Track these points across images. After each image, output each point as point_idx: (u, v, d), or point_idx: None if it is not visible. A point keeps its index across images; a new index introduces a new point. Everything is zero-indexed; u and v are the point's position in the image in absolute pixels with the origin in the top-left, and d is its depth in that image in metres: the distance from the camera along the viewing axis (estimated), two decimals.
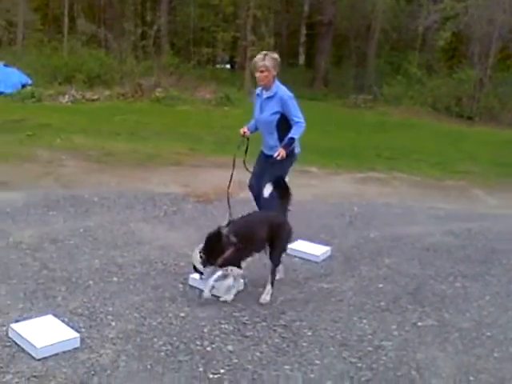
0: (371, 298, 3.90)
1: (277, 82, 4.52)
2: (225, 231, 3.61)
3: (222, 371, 2.85)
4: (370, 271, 4.42)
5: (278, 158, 4.34)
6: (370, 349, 3.19)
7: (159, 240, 4.72)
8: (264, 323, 3.41)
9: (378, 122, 16.75)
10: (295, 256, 4.60)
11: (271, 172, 4.47)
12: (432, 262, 4.74)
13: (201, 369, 2.85)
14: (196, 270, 3.66)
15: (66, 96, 15.06)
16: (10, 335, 2.99)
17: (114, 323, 3.23)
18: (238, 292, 3.79)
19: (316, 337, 3.29)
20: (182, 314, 3.42)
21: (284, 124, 4.50)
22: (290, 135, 4.46)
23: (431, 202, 6.98)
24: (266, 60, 4.41)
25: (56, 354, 2.86)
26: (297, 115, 4.50)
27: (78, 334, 2.99)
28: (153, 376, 2.76)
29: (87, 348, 2.95)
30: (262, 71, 4.42)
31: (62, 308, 3.36)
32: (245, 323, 3.39)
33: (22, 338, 2.91)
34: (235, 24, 25.09)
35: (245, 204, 6.09)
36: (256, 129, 4.72)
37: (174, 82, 18.65)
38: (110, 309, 3.40)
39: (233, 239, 3.57)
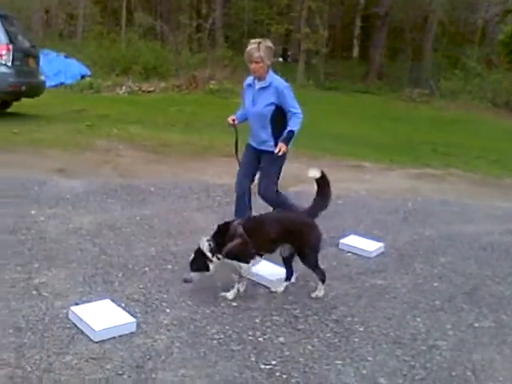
0: (425, 296, 3.83)
1: (271, 72, 4.29)
2: (235, 222, 3.56)
3: (273, 362, 2.86)
4: (424, 269, 4.33)
5: (280, 153, 4.12)
6: (423, 348, 3.13)
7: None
8: (315, 317, 3.40)
9: (433, 116, 16.36)
10: (348, 251, 4.56)
11: (265, 168, 4.36)
12: (489, 261, 4.60)
13: (253, 359, 2.88)
14: (192, 266, 3.49)
15: (123, 87, 15.45)
16: (70, 317, 3.10)
17: (168, 310, 3.30)
18: (245, 289, 3.79)
19: (368, 333, 3.26)
20: (234, 304, 3.46)
21: (279, 117, 4.25)
22: (289, 128, 4.19)
23: (489, 201, 6.77)
24: (260, 50, 4.14)
25: (113, 338, 2.94)
26: (294, 106, 4.25)
27: (134, 319, 3.08)
28: (206, 363, 2.80)
29: (143, 333, 3.03)
30: (257, 62, 4.15)
31: (118, 293, 3.46)
32: (296, 316, 3.40)
33: (82, 320, 3.02)
34: (289, 16, 24.99)
35: (298, 196, 6.10)
36: (245, 119, 4.47)
37: (227, 75, 18.80)
38: (165, 296, 3.47)
39: (240, 231, 3.47)
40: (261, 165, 4.43)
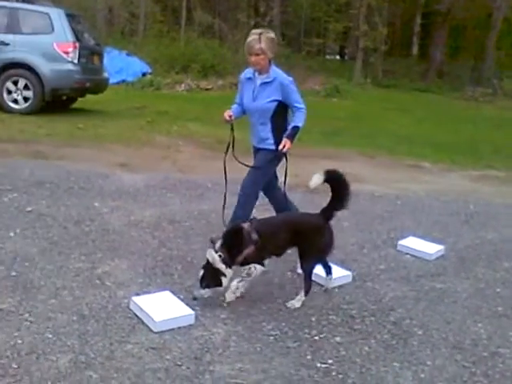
0: (487, 301, 3.71)
1: (273, 66, 4.03)
2: (245, 227, 3.33)
3: (329, 361, 2.85)
4: (486, 274, 4.20)
5: (284, 150, 3.95)
6: (485, 354, 3.04)
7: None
8: (372, 318, 3.36)
9: (497, 116, 15.79)
10: (406, 253, 4.48)
11: (261, 164, 4.14)
12: None
13: (309, 357, 2.88)
14: (202, 283, 3.27)
15: (182, 85, 15.72)
16: (131, 307, 3.19)
17: (225, 304, 3.34)
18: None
19: (427, 337, 3.19)
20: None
21: (280, 113, 4.06)
22: (294, 124, 4.00)
23: None
24: (261, 42, 3.85)
25: (172, 329, 3.01)
26: (298, 101, 4.02)
27: (193, 312, 3.14)
28: (262, 358, 2.82)
29: (201, 326, 3.08)
30: (257, 54, 3.86)
31: (178, 285, 3.53)
32: (353, 316, 3.37)
33: (142, 310, 3.10)
34: (348, 14, 24.70)
35: (353, 196, 6.04)
36: (242, 114, 4.25)
37: (284, 73, 18.76)
38: (222, 289, 3.51)
39: (254, 237, 3.27)
40: (256, 158, 4.22)
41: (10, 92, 9.34)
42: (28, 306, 3.11)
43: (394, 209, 5.78)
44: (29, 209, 4.66)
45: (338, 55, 33.04)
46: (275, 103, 3.99)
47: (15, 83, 9.29)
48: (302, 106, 4.03)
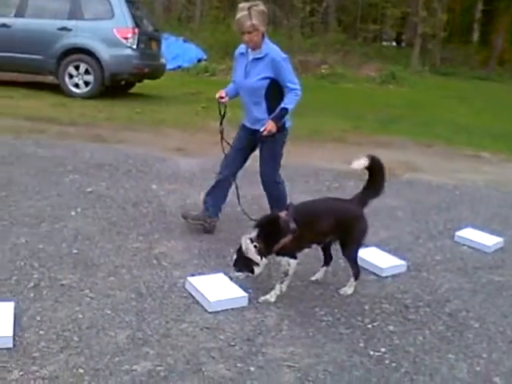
0: None
1: (267, 41, 3.75)
2: (283, 215, 3.22)
3: (382, 350, 2.83)
4: None
5: (265, 133, 3.73)
6: None
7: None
8: (427, 309, 3.31)
9: None
10: (463, 244, 4.37)
11: (261, 153, 3.97)
12: None
13: (361, 344, 2.87)
14: (236, 267, 3.22)
15: None
16: (187, 287, 3.26)
17: (272, 299, 3.35)
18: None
19: (484, 330, 3.12)
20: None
21: (274, 92, 3.76)
22: (282, 105, 3.73)
23: None
24: (252, 18, 3.60)
25: (226, 310, 3.07)
26: (292, 81, 3.74)
27: (246, 294, 3.18)
28: (314, 343, 2.83)
29: (253, 308, 3.12)
30: (249, 32, 3.62)
31: (231, 268, 3.57)
32: (407, 306, 3.33)
33: (197, 291, 3.17)
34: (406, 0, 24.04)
35: (409, 185, 5.94)
36: (236, 94, 4.03)
37: (339, 59, 18.55)
38: (275, 274, 3.54)
39: (293, 226, 3.15)
40: (260, 148, 4.00)
41: (71, 76, 9.64)
42: (88, 283, 3.24)
43: (451, 199, 5.64)
44: (89, 189, 4.83)
45: (395, 42, 32.25)
46: (267, 81, 3.73)
47: (77, 68, 9.58)
48: (296, 86, 3.76)
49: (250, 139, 4.00)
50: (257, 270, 3.18)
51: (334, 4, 24.07)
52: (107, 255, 3.63)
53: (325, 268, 3.58)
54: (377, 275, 3.68)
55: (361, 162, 3.36)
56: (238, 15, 3.65)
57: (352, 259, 3.42)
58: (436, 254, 4.15)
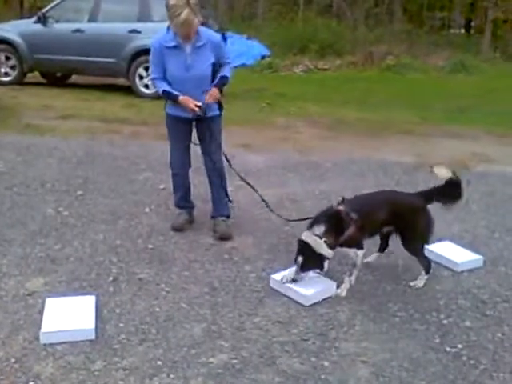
0: None
1: (200, 26, 3.60)
2: (342, 208, 3.20)
3: (459, 346, 2.77)
4: None
5: (211, 100, 3.67)
6: None
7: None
8: (506, 304, 3.21)
9: None
10: None
11: (215, 136, 3.87)
12: None
13: (437, 340, 2.82)
14: (304, 268, 3.16)
15: (300, 66, 15.72)
16: (272, 285, 3.27)
17: (343, 294, 3.34)
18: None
19: None
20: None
21: (214, 73, 3.74)
22: (222, 73, 3.72)
23: None
24: (196, 13, 3.44)
25: (297, 304, 3.09)
26: (228, 56, 3.83)
27: (333, 282, 3.25)
28: (388, 339, 2.81)
29: (326, 303, 3.13)
30: (194, 29, 3.51)
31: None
32: (484, 301, 3.23)
33: (287, 287, 3.19)
34: None
35: (482, 177, 5.72)
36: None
37: (405, 49, 18.06)
38: (345, 268, 3.52)
39: (354, 216, 3.15)
40: (206, 133, 3.88)
41: (141, 78, 9.94)
42: (164, 277, 3.36)
43: None
44: (161, 187, 4.98)
45: (464, 29, 31.04)
46: (211, 66, 3.70)
47: (146, 69, 9.84)
48: (230, 60, 3.84)
49: (190, 129, 3.97)
50: (326, 265, 3.19)
51: None
52: (181, 250, 3.74)
53: (378, 254, 3.66)
54: (452, 270, 3.59)
55: (442, 173, 3.39)
56: (183, 14, 3.39)
57: (415, 253, 3.40)
58: None
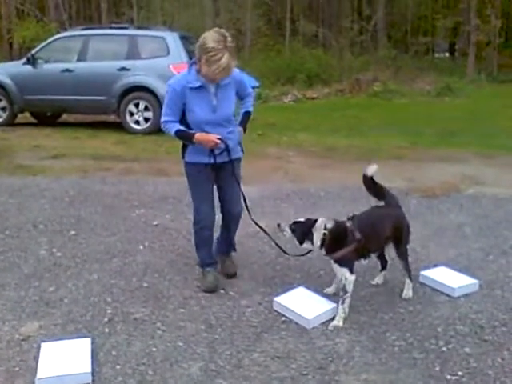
0: None
1: None
2: (348, 225, 3.28)
3: (459, 373, 2.74)
4: None
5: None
6: None
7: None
8: (504, 328, 3.19)
9: None
10: None
11: (237, 179, 3.66)
12: None
13: (437, 368, 2.79)
14: (297, 227, 3.30)
15: (289, 95, 15.94)
16: (275, 308, 3.36)
17: (341, 324, 3.33)
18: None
19: None
20: (414, 311, 3.39)
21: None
22: (246, 109, 3.59)
23: None
24: (233, 56, 3.22)
25: (295, 337, 3.06)
26: (249, 86, 3.59)
27: (334, 305, 3.29)
28: (388, 369, 2.78)
29: (323, 335, 3.10)
30: (231, 73, 3.29)
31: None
32: (482, 326, 3.21)
33: (290, 310, 3.29)
34: (457, 8, 23.63)
35: (474, 200, 5.76)
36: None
37: (391, 75, 18.39)
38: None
39: (358, 235, 3.22)
40: (229, 179, 3.62)
41: (132, 114, 10.03)
42: (159, 316, 3.33)
43: None
44: (155, 223, 4.98)
45: (448, 52, 31.64)
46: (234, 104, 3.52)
47: (136, 105, 9.97)
48: (251, 90, 3.64)
49: (213, 175, 3.62)
50: (305, 245, 3.30)
51: (383, 20, 23.94)
52: (176, 287, 3.71)
53: (384, 272, 3.75)
54: (448, 296, 3.58)
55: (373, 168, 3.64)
56: (223, 59, 3.15)
57: (405, 257, 3.56)
58: (509, 271, 4.00)
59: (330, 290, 3.59)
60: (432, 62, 24.09)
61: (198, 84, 3.35)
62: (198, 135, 3.36)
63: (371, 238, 3.34)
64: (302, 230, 3.32)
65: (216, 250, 3.93)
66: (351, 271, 3.26)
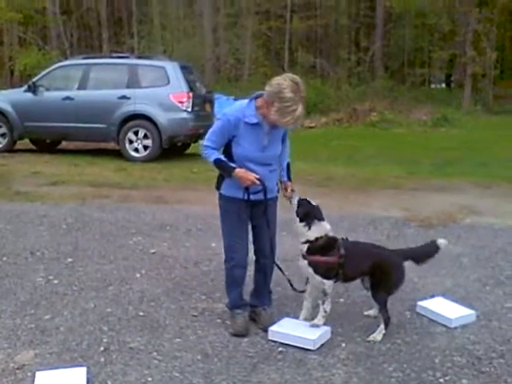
0: None
1: None
2: (339, 240, 3.45)
3: None
4: None
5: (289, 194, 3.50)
6: None
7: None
8: (502, 360, 3.17)
9: None
10: None
11: (273, 222, 3.55)
12: None
13: None
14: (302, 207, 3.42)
15: None
16: (271, 338, 3.26)
17: (343, 344, 3.33)
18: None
19: None
20: (411, 342, 3.37)
21: None
22: (287, 159, 3.58)
23: None
24: (304, 108, 3.18)
25: (292, 369, 3.05)
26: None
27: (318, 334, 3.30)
28: None
29: (320, 366, 3.09)
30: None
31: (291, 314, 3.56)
32: (479, 358, 3.20)
33: (289, 335, 3.18)
34: (453, 41, 24.02)
35: (471, 230, 5.78)
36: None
37: (388, 105, 18.58)
38: (340, 330, 3.50)
39: (342, 251, 3.36)
40: (263, 220, 3.46)
41: (131, 142, 10.11)
42: (156, 345, 3.31)
43: None
44: (152, 251, 4.98)
45: (444, 83, 32.05)
46: None
47: (136, 133, 10.05)
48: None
49: (249, 213, 3.48)
50: (298, 225, 3.44)
51: (380, 52, 24.31)
52: (172, 316, 3.70)
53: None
54: (446, 326, 3.57)
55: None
56: (299, 113, 3.12)
57: (381, 304, 3.46)
58: (506, 301, 3.99)
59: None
60: (428, 93, 24.35)
61: (254, 121, 3.25)
62: (238, 171, 3.27)
63: (350, 263, 3.39)
64: (307, 212, 3.43)
65: (251, 301, 3.67)
66: (327, 278, 3.36)
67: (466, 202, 6.98)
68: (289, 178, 3.59)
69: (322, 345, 3.30)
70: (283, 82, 3.13)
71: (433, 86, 30.30)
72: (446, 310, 3.69)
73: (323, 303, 3.39)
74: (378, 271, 3.43)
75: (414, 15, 24.44)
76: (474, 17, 21.04)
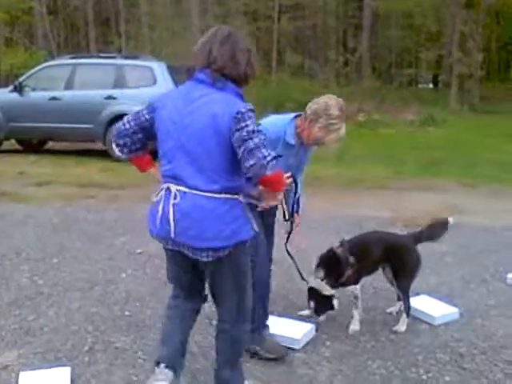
0: None
1: None
2: (339, 251, 3.46)
3: None
4: None
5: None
6: None
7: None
8: (483, 356, 3.22)
9: None
10: None
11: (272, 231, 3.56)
12: None
13: None
14: (318, 312, 3.48)
15: None
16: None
17: (329, 342, 3.35)
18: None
19: None
20: (396, 340, 3.40)
21: None
22: (300, 191, 3.40)
23: None
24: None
25: (276, 366, 3.06)
26: None
27: (313, 324, 3.43)
28: None
29: (305, 364, 3.11)
30: None
31: (282, 313, 3.58)
32: (462, 354, 3.24)
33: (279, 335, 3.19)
34: (440, 42, 24.23)
35: (455, 229, 5.82)
36: None
37: (375, 106, 18.68)
38: (325, 328, 3.52)
39: (351, 260, 3.43)
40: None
41: None
42: (141, 345, 3.31)
43: (501, 241, 5.51)
44: (138, 251, 4.97)
45: (431, 84, 32.30)
46: None
47: None
48: None
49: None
50: (336, 302, 3.49)
51: (368, 53, 24.44)
52: (158, 316, 3.68)
53: (400, 302, 3.67)
54: (429, 324, 3.61)
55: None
56: (342, 132, 3.08)
57: (405, 292, 3.55)
58: (489, 299, 4.04)
59: (304, 313, 3.69)
60: (416, 93, 24.51)
61: (292, 142, 3.12)
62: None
63: (365, 259, 3.53)
64: (323, 303, 3.51)
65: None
66: (357, 283, 3.53)
67: (451, 202, 7.04)
68: (297, 212, 3.49)
69: (308, 343, 3.32)
70: (329, 100, 3.12)
71: (420, 86, 30.54)
72: (430, 307, 3.73)
73: (356, 307, 3.52)
74: (392, 256, 3.55)
75: (401, 16, 24.62)
76: (460, 18, 21.25)
